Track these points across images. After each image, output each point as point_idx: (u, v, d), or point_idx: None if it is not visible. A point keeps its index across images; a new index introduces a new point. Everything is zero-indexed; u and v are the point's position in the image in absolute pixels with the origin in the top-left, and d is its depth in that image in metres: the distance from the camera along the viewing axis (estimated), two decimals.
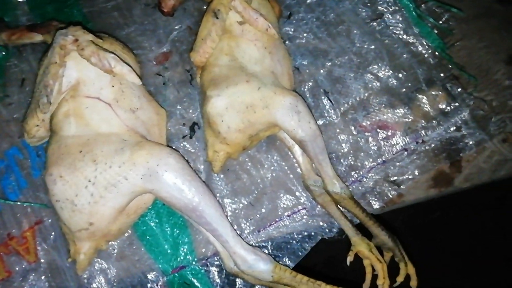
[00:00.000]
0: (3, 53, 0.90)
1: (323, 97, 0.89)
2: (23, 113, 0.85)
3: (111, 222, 0.68)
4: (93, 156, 0.66)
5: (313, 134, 0.76)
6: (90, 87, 0.70)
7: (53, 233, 0.77)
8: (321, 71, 0.90)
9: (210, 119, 0.76)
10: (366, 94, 0.88)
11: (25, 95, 0.88)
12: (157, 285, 0.75)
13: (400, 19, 0.91)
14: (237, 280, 0.78)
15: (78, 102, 0.70)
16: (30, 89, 0.88)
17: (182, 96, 0.89)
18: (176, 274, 0.75)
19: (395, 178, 0.85)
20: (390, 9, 0.92)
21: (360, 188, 0.84)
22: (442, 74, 0.88)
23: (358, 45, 0.90)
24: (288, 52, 0.89)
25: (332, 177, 0.77)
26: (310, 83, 0.90)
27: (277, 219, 0.81)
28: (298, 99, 0.76)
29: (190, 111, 0.87)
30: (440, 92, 0.86)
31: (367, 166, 0.84)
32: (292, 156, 0.84)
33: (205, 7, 0.96)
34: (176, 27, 0.94)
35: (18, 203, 0.76)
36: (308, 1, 0.95)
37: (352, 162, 0.85)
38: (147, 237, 0.77)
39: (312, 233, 0.81)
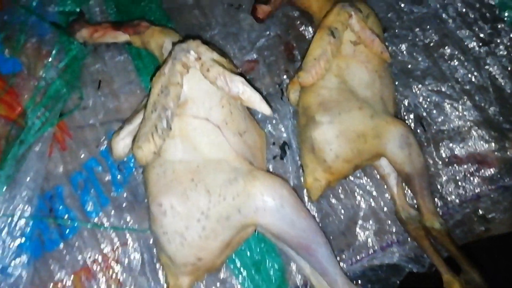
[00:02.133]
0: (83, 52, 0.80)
1: (415, 122, 0.84)
2: (99, 118, 0.78)
3: (218, 256, 0.63)
4: (206, 185, 0.60)
5: (422, 168, 0.72)
6: (199, 107, 0.63)
7: (138, 258, 0.70)
8: (416, 94, 0.85)
9: (316, 146, 0.71)
10: (465, 124, 0.83)
11: (102, 99, 0.79)
12: None
13: (510, 48, 0.86)
14: None
15: (185, 122, 0.62)
16: (107, 92, 0.80)
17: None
18: None
19: (483, 212, 0.82)
20: (500, 37, 0.87)
21: (449, 221, 0.81)
22: None
23: (461, 71, 0.85)
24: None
25: (433, 213, 0.74)
26: (402, 106, 0.85)
27: (369, 252, 0.77)
28: (409, 130, 0.72)
29: (280, 129, 0.81)
30: None
31: (459, 200, 0.81)
32: (385, 185, 0.80)
33: (294, 13, 0.89)
34: (264, 33, 0.87)
35: (111, 230, 0.68)
36: (404, 18, 0.89)
37: (443, 196, 0.81)
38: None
39: (402, 266, 0.78)
